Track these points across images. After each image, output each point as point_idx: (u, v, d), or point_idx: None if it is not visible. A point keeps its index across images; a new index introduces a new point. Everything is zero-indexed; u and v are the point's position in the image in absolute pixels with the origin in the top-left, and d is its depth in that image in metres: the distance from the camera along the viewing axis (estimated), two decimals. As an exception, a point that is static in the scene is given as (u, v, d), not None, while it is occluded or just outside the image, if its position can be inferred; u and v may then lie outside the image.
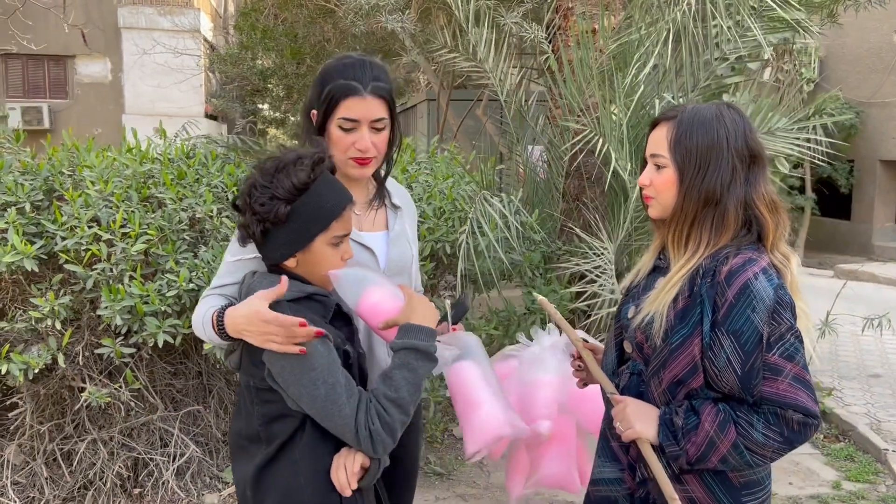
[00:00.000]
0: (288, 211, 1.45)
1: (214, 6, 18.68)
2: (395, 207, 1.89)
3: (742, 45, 3.87)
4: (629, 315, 1.61)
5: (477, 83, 4.65)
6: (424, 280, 3.24)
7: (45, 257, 2.78)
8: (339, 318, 1.56)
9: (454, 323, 1.73)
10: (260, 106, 15.39)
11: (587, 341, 1.80)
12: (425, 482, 3.60)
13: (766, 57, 3.70)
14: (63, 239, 2.76)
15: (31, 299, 2.75)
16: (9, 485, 3.03)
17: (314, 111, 1.73)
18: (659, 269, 1.63)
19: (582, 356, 1.71)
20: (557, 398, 1.84)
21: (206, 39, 16.51)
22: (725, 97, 3.86)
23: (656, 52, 3.54)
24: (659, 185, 1.55)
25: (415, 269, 1.91)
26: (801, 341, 1.47)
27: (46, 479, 3.09)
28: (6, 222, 2.72)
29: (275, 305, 1.43)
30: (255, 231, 1.47)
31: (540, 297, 1.82)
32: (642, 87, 3.56)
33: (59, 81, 16.78)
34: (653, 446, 1.51)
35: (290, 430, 1.47)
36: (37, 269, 2.71)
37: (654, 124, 1.60)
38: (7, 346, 2.76)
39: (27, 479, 3.11)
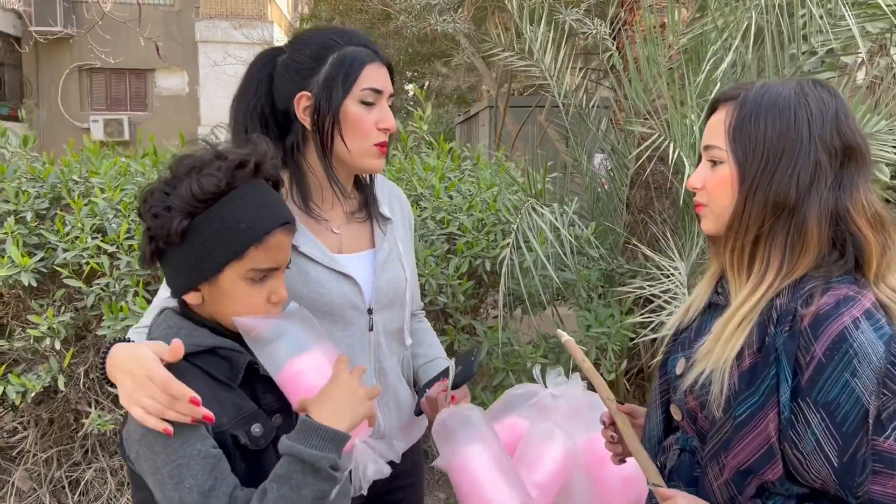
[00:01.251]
0: (185, 227, 1.08)
1: (289, 19, 18.90)
2: (385, 219, 1.52)
3: (834, 37, 3.39)
4: (678, 370, 1.20)
5: (533, 84, 4.30)
6: (462, 302, 2.88)
7: (46, 271, 2.57)
8: (263, 382, 1.18)
9: (454, 388, 1.38)
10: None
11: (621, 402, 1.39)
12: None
13: (862, 50, 3.22)
14: (64, 251, 2.53)
15: (29, 316, 2.53)
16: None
17: (304, 93, 1.37)
18: (716, 307, 1.21)
19: (617, 423, 1.30)
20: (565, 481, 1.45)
21: (279, 52, 16.68)
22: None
23: (734, 47, 3.09)
24: (713, 186, 1.15)
25: (410, 295, 1.55)
26: None
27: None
28: (4, 232, 2.51)
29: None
30: (146, 249, 1.12)
31: (566, 338, 1.42)
32: (717, 86, 3.12)
33: (139, 94, 17.30)
34: None
35: None
36: (34, 284, 2.50)
37: (712, 107, 1.20)
38: (3, 367, 2.55)
39: (32, 507, 2.91)
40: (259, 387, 1.17)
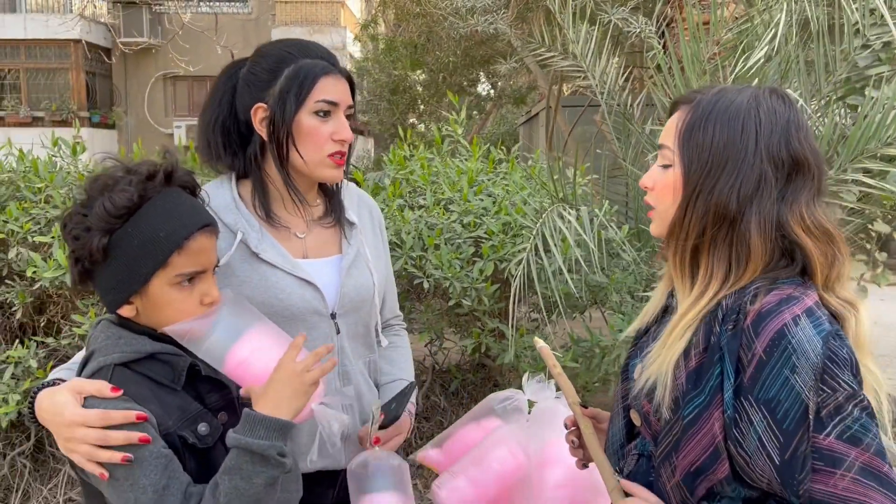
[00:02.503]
0: (105, 244, 1.12)
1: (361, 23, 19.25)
2: (351, 224, 1.55)
3: (892, 29, 3.22)
4: (635, 375, 1.19)
5: (579, 85, 4.25)
6: (488, 305, 2.89)
7: (71, 284, 2.72)
8: (206, 382, 1.21)
9: (382, 428, 1.41)
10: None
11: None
12: None
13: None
14: (105, 254, 2.68)
15: (74, 316, 2.69)
16: (62, 501, 3.01)
17: (260, 105, 1.41)
18: (669, 310, 1.20)
19: (580, 427, 1.29)
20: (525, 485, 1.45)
21: (351, 55, 16.99)
22: (868, 92, 3.22)
23: (774, 43, 2.98)
24: (660, 188, 1.13)
25: (379, 300, 1.56)
26: (872, 415, 0.99)
27: (101, 497, 3.05)
28: (52, 237, 2.68)
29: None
30: (73, 272, 1.17)
31: (540, 344, 1.42)
32: (755, 82, 3.02)
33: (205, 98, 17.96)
34: None
35: None
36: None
37: (672, 109, 1.17)
38: (50, 364, 2.72)
39: (82, 497, 3.08)
40: (202, 387, 1.21)
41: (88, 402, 1.11)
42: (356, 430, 1.50)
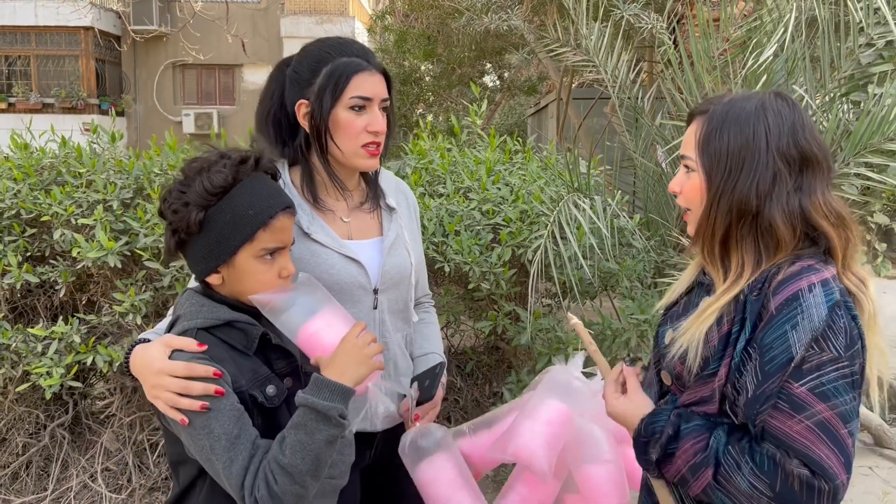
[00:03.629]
0: (201, 218, 1.27)
1: (370, 13, 19.31)
2: (390, 209, 1.70)
3: (892, 28, 3.35)
4: (666, 341, 1.35)
5: (590, 78, 4.38)
6: (505, 289, 3.04)
7: (129, 254, 2.87)
8: (275, 350, 1.37)
9: (419, 404, 1.57)
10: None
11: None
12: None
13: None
14: (145, 236, 2.83)
15: (114, 294, 2.84)
16: (99, 471, 3.18)
17: (303, 101, 1.56)
18: (702, 285, 1.36)
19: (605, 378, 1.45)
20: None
21: (359, 46, 17.08)
22: (871, 88, 3.35)
23: (780, 41, 3.11)
24: (688, 192, 1.29)
25: (414, 278, 1.72)
26: (853, 385, 1.14)
27: (135, 466, 3.21)
28: (94, 219, 2.83)
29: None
30: (170, 242, 1.32)
31: (574, 320, 1.56)
32: (764, 78, 3.16)
33: (227, 89, 18.06)
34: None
35: (191, 477, 1.31)
36: (119, 265, 2.80)
37: (689, 119, 1.33)
38: (93, 339, 2.88)
39: (118, 466, 3.24)
40: (272, 354, 1.36)
41: (175, 355, 1.27)
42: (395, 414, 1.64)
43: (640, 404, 1.32)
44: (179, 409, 1.24)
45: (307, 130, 1.58)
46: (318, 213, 1.62)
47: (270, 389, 1.33)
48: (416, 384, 1.63)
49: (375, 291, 1.63)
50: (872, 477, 3.71)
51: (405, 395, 1.61)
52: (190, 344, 1.27)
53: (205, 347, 1.27)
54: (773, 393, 1.12)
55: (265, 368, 1.35)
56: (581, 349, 1.72)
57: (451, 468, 1.54)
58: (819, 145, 1.23)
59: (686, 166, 1.30)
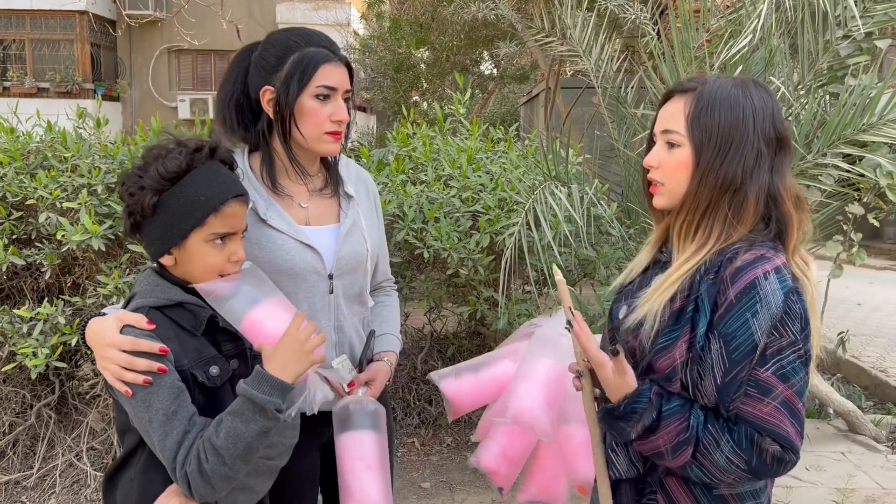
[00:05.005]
0: (155, 202, 1.33)
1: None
2: (349, 197, 1.75)
3: (872, 20, 3.40)
4: (620, 316, 1.41)
5: (576, 68, 4.42)
6: (483, 275, 3.10)
7: (113, 237, 2.93)
8: (223, 332, 1.43)
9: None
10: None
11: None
12: (486, 482, 3.47)
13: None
14: (128, 220, 2.88)
15: (99, 277, 2.90)
16: (84, 450, 3.24)
17: (268, 87, 1.60)
18: (659, 264, 1.42)
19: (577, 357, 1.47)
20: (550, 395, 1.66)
21: (356, 33, 17.07)
22: (848, 80, 3.40)
23: (754, 30, 3.16)
24: (670, 167, 1.34)
25: (372, 265, 1.77)
26: (806, 363, 1.23)
27: (120, 446, 3.27)
28: (79, 203, 2.88)
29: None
30: (126, 224, 1.38)
31: (559, 276, 1.61)
32: (740, 69, 3.20)
33: (223, 74, 18.01)
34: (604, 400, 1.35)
35: (133, 444, 1.38)
36: (104, 249, 2.86)
37: (666, 96, 1.39)
38: (78, 321, 2.93)
39: (103, 445, 3.31)
40: (220, 336, 1.42)
41: (125, 330, 1.33)
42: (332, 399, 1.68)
43: (622, 383, 1.35)
44: (124, 382, 1.31)
45: (271, 116, 1.62)
46: (275, 198, 1.66)
47: (214, 370, 1.39)
48: (341, 359, 1.69)
49: (331, 277, 1.68)
50: (844, 462, 3.79)
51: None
52: (140, 320, 1.33)
53: (153, 326, 1.33)
54: (743, 380, 1.21)
55: (211, 349, 1.41)
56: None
57: (371, 446, 1.60)
58: (788, 130, 1.33)
59: (670, 142, 1.35)
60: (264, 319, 1.37)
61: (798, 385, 1.21)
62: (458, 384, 1.78)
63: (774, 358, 1.20)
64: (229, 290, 1.37)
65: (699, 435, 1.23)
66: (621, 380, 1.31)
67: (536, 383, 1.65)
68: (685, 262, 1.31)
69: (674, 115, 1.35)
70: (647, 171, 1.41)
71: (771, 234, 1.30)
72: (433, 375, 1.82)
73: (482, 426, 1.87)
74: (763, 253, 1.25)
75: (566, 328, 1.50)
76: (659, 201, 1.39)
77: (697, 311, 1.26)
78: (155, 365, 1.29)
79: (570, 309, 1.46)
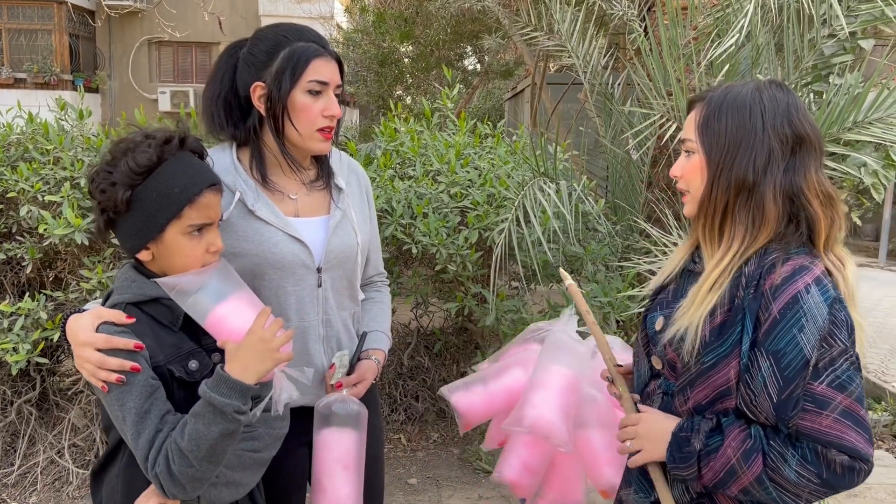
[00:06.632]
0: (128, 197, 1.30)
1: (349, -7, 19.16)
2: (339, 189, 1.73)
3: (856, 20, 3.42)
4: (657, 327, 1.41)
5: (563, 64, 4.42)
6: (472, 271, 3.09)
7: (97, 231, 2.88)
8: (199, 328, 1.40)
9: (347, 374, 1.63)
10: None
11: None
12: (472, 478, 3.47)
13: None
14: (112, 214, 2.84)
15: (82, 271, 2.85)
16: (66, 447, 3.20)
17: (258, 83, 1.57)
18: (691, 273, 1.42)
19: (610, 371, 1.51)
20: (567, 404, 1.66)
21: (339, 26, 16.96)
22: (833, 79, 3.42)
23: (741, 29, 3.17)
24: (688, 172, 1.36)
25: (362, 258, 1.74)
26: (858, 368, 1.23)
27: (103, 443, 3.23)
28: (61, 196, 2.83)
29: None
30: (100, 221, 1.36)
31: (570, 283, 1.60)
32: (727, 67, 3.21)
33: (204, 67, 17.83)
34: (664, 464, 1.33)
35: (116, 440, 1.36)
36: (87, 243, 2.81)
37: (689, 108, 1.40)
38: (60, 316, 2.88)
39: (85, 442, 3.27)
40: (200, 330, 1.39)
41: (101, 328, 1.31)
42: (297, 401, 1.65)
43: (663, 416, 1.37)
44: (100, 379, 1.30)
45: (262, 112, 1.60)
46: (264, 191, 1.64)
47: (193, 364, 1.36)
48: (340, 353, 1.68)
49: (319, 270, 1.66)
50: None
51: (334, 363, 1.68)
52: (118, 316, 1.31)
53: (133, 320, 1.31)
54: (799, 397, 1.20)
55: (190, 343, 1.38)
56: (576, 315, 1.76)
57: (349, 446, 1.59)
58: (811, 126, 1.30)
59: (687, 150, 1.37)
60: (228, 316, 1.34)
61: (856, 392, 1.20)
62: (469, 398, 1.78)
63: (828, 370, 1.20)
64: (193, 284, 1.34)
65: (764, 447, 1.22)
66: (663, 424, 1.33)
67: (551, 392, 1.64)
68: (715, 266, 1.31)
69: (688, 124, 1.38)
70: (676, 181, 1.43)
71: (803, 236, 1.29)
72: (443, 391, 1.81)
73: (492, 435, 1.86)
74: (801, 263, 1.24)
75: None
76: (687, 209, 1.40)
77: (743, 329, 1.25)
78: (127, 364, 1.27)
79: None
